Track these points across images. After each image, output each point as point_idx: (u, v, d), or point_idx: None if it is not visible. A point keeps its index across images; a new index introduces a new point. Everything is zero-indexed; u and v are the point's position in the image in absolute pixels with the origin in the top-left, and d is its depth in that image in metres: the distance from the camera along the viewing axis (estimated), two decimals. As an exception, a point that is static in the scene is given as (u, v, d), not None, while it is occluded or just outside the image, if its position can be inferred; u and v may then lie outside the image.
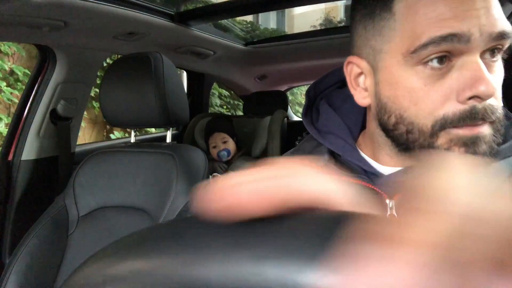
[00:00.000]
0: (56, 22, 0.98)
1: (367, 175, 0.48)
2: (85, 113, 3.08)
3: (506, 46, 0.40)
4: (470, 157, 0.38)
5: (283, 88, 2.60)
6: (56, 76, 1.23)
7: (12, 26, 0.95)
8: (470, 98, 0.37)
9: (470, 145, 0.39)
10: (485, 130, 0.39)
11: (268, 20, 7.18)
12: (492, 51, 0.39)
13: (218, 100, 4.04)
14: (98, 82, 2.23)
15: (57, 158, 1.30)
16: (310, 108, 0.58)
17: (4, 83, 2.59)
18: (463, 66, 0.38)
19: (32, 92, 1.24)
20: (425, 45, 0.38)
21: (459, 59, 0.38)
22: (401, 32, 0.40)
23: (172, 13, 1.26)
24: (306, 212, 0.17)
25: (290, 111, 2.57)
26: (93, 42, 1.21)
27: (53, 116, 1.26)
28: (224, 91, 4.14)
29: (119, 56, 1.41)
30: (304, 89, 4.73)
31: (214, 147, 1.78)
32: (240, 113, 4.04)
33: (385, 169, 0.48)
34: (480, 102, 0.38)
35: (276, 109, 1.94)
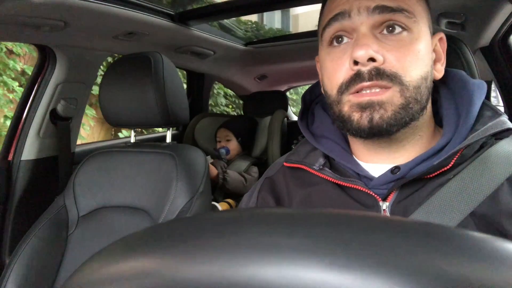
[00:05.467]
0: (56, 22, 0.98)
1: (360, 178, 0.50)
2: (93, 112, 3.10)
3: (404, 20, 0.45)
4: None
5: (283, 88, 2.60)
6: (56, 76, 1.23)
7: (12, 26, 0.95)
8: (356, 64, 0.44)
9: (366, 110, 0.45)
10: (383, 97, 0.44)
11: (273, 20, 7.15)
12: (392, 26, 0.45)
13: (224, 99, 4.02)
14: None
15: (57, 158, 1.30)
16: (306, 112, 0.61)
17: (16, 83, 2.68)
18: (354, 40, 0.46)
19: (32, 92, 1.24)
20: (324, 28, 0.49)
21: (353, 36, 0.47)
22: (320, 26, 0.51)
23: (172, 13, 1.26)
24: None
25: (290, 111, 2.57)
26: (93, 42, 1.21)
27: (53, 116, 1.26)
28: (229, 90, 4.14)
29: (117, 56, 1.41)
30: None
31: (219, 141, 1.82)
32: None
33: (373, 168, 0.50)
34: (365, 66, 0.44)
35: (276, 109, 1.94)
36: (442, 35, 0.52)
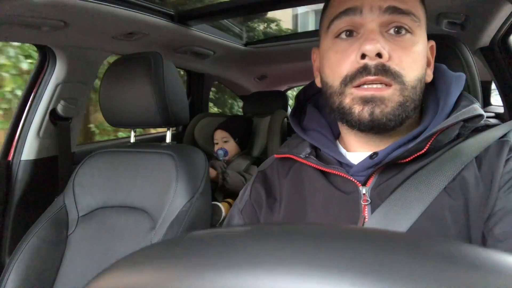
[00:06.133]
0: (56, 22, 0.98)
1: (342, 166, 0.53)
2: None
3: (410, 23, 0.47)
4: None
5: (283, 88, 2.60)
6: (56, 76, 1.23)
7: (12, 26, 0.95)
8: (363, 57, 0.46)
9: (368, 104, 0.47)
10: (385, 93, 0.46)
11: (307, 24, 7.01)
12: (398, 28, 0.48)
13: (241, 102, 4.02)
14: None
15: (57, 158, 1.30)
16: (298, 110, 0.65)
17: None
18: (361, 35, 0.48)
19: (32, 92, 1.24)
20: (332, 20, 0.50)
21: (360, 31, 0.49)
22: (326, 17, 0.53)
23: (172, 13, 1.26)
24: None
25: (290, 111, 2.58)
26: (93, 42, 1.21)
27: (53, 116, 1.26)
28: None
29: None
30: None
31: (217, 143, 1.82)
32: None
33: (356, 157, 0.53)
34: (372, 61, 0.46)
35: (276, 109, 1.94)
36: (433, 43, 0.55)
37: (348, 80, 0.48)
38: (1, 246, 1.17)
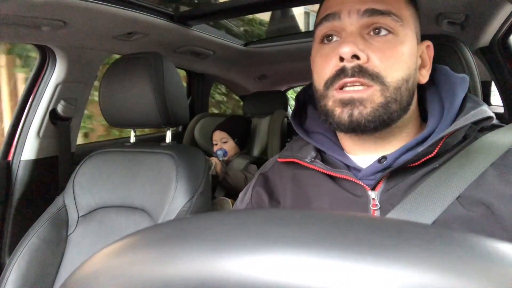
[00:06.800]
0: (56, 22, 0.98)
1: (350, 170, 0.52)
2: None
3: (391, 23, 0.48)
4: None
5: (283, 88, 2.60)
6: (56, 76, 1.23)
7: (12, 26, 0.95)
8: (342, 60, 0.47)
9: (347, 106, 0.47)
10: (364, 94, 0.46)
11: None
12: (378, 28, 0.48)
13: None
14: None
15: (57, 158, 1.30)
16: (299, 111, 0.64)
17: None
18: (341, 38, 0.49)
19: (32, 92, 1.24)
20: (316, 26, 0.52)
21: (342, 35, 0.49)
22: (315, 23, 0.54)
23: (172, 13, 1.26)
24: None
25: (290, 111, 2.58)
26: (93, 42, 1.21)
27: (53, 116, 1.26)
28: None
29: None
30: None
31: (216, 144, 1.81)
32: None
33: (361, 160, 0.52)
34: (349, 63, 0.46)
35: (276, 109, 1.94)
36: (429, 43, 0.54)
37: (330, 83, 0.49)
38: (1, 246, 1.17)
